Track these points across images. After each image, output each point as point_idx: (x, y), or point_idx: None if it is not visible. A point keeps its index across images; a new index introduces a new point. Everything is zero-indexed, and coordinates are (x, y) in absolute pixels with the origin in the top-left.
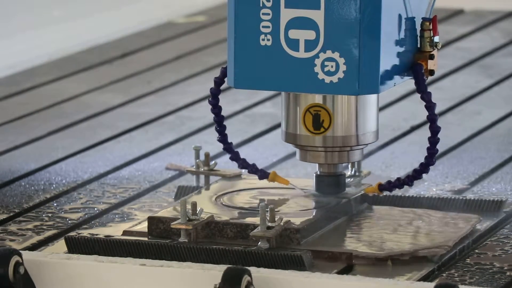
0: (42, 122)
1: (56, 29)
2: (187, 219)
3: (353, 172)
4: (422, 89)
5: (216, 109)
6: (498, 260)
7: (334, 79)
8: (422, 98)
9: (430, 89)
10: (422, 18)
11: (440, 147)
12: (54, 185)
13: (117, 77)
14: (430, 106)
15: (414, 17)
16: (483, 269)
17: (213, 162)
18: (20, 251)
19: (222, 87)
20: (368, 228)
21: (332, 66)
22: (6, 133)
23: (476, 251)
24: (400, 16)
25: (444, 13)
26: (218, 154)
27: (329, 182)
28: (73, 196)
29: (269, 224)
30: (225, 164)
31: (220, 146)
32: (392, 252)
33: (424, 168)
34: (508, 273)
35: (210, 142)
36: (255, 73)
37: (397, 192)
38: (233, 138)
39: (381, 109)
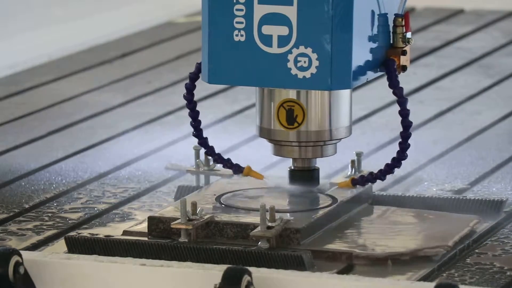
0: (42, 122)
1: (56, 29)
2: (187, 219)
3: (353, 172)
4: (394, 84)
5: (191, 104)
6: (498, 260)
7: (307, 74)
8: (394, 93)
9: (430, 89)
10: (395, 14)
11: (440, 147)
12: (54, 185)
13: (117, 77)
14: (402, 101)
15: (387, 13)
16: (483, 269)
17: (213, 162)
18: (20, 251)
19: (221, 87)
20: (368, 228)
21: (305, 62)
22: (6, 133)
23: (476, 251)
24: (372, 12)
25: (444, 13)
26: None
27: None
28: (73, 196)
29: (269, 224)
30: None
31: (220, 146)
32: (392, 252)
33: (396, 162)
34: (508, 273)
35: (210, 142)
36: (229, 68)
37: (397, 192)
38: (233, 138)
39: (381, 109)
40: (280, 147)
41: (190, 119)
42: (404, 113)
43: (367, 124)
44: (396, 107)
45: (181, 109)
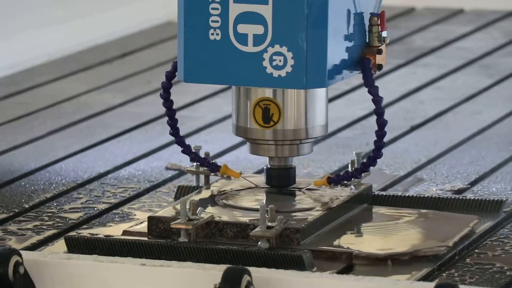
0: (42, 122)
1: (56, 29)
2: (187, 219)
3: None
4: (369, 83)
5: (167, 103)
6: (498, 260)
7: (282, 73)
8: (369, 92)
9: (430, 89)
10: (370, 14)
11: (441, 147)
12: (54, 185)
13: (117, 77)
14: (377, 100)
15: (363, 12)
16: (483, 269)
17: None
18: (20, 251)
19: (221, 87)
20: (368, 228)
21: (280, 60)
22: (6, 133)
23: (476, 251)
24: (348, 11)
25: (444, 13)
26: (218, 154)
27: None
28: (73, 196)
29: (269, 224)
30: (225, 164)
31: (220, 146)
32: (392, 252)
33: (371, 161)
34: (508, 273)
35: (210, 142)
36: (204, 67)
37: (397, 192)
38: (233, 138)
39: None
40: (256, 146)
41: (189, 120)
42: (379, 112)
43: (367, 124)
44: (396, 107)
45: (181, 109)
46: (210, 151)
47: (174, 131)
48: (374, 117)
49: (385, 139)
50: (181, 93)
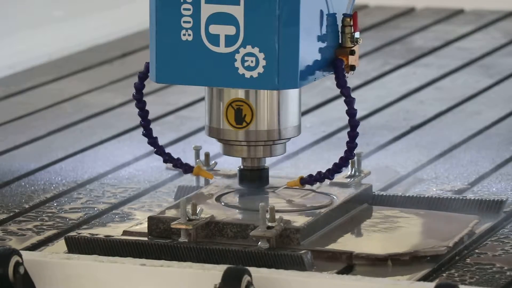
0: (42, 122)
1: (56, 29)
2: (187, 219)
3: (353, 172)
4: (342, 84)
5: (140, 103)
6: (498, 260)
7: (254, 74)
8: (341, 93)
9: (430, 89)
10: (343, 14)
11: (441, 147)
12: (54, 185)
13: (117, 77)
14: (349, 101)
15: (336, 13)
16: (483, 269)
17: (213, 162)
18: (20, 251)
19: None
20: (368, 228)
21: (252, 61)
22: (6, 133)
23: (476, 251)
24: (321, 11)
25: (444, 13)
26: (218, 154)
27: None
28: (73, 196)
29: (269, 224)
30: (225, 164)
31: (219, 146)
32: (392, 252)
33: (344, 162)
34: (508, 273)
35: (210, 142)
36: (176, 68)
37: (397, 192)
38: None
39: (380, 109)
40: (229, 147)
41: (189, 120)
42: (351, 113)
43: (367, 124)
44: (396, 107)
45: (181, 109)
46: (210, 151)
47: (147, 132)
48: (375, 117)
49: (385, 140)
50: (181, 93)
